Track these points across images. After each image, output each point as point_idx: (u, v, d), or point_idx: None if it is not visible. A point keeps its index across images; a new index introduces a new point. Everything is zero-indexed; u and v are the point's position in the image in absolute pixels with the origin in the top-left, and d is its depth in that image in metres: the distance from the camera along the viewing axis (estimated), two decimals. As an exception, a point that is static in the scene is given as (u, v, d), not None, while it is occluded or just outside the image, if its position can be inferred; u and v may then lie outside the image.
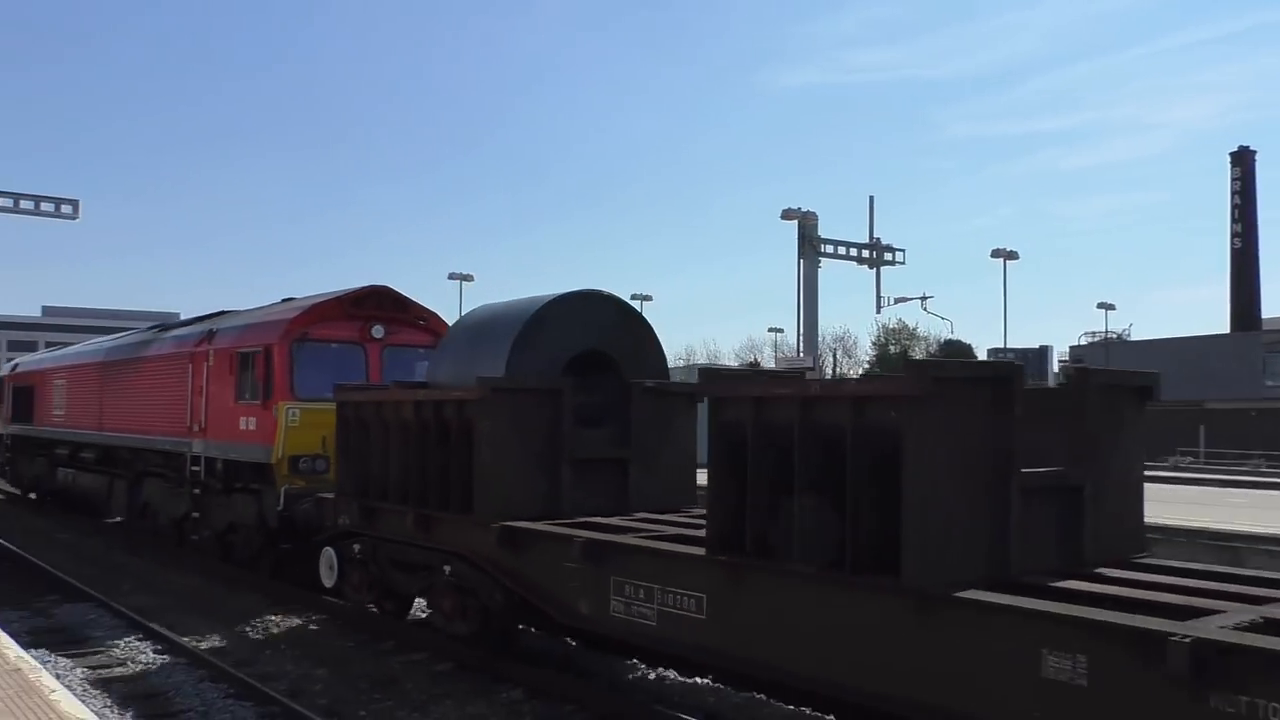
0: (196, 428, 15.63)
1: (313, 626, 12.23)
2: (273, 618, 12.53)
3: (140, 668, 10.38)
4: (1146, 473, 8.23)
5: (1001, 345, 55.17)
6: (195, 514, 15.97)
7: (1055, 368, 55.48)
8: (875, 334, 76.94)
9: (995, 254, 50.80)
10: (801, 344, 38.41)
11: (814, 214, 36.53)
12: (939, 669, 6.12)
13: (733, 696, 9.12)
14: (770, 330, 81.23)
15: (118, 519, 20.45)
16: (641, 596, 8.16)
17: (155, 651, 10.91)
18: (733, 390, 7.35)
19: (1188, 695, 5.03)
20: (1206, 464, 44.60)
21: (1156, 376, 7.63)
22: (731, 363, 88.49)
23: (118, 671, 10.28)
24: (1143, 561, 7.37)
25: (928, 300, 43.03)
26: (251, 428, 14.18)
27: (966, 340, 68.32)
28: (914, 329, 76.68)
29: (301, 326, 14.09)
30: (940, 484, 6.21)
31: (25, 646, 9.08)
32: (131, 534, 19.07)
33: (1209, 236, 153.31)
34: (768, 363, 79.77)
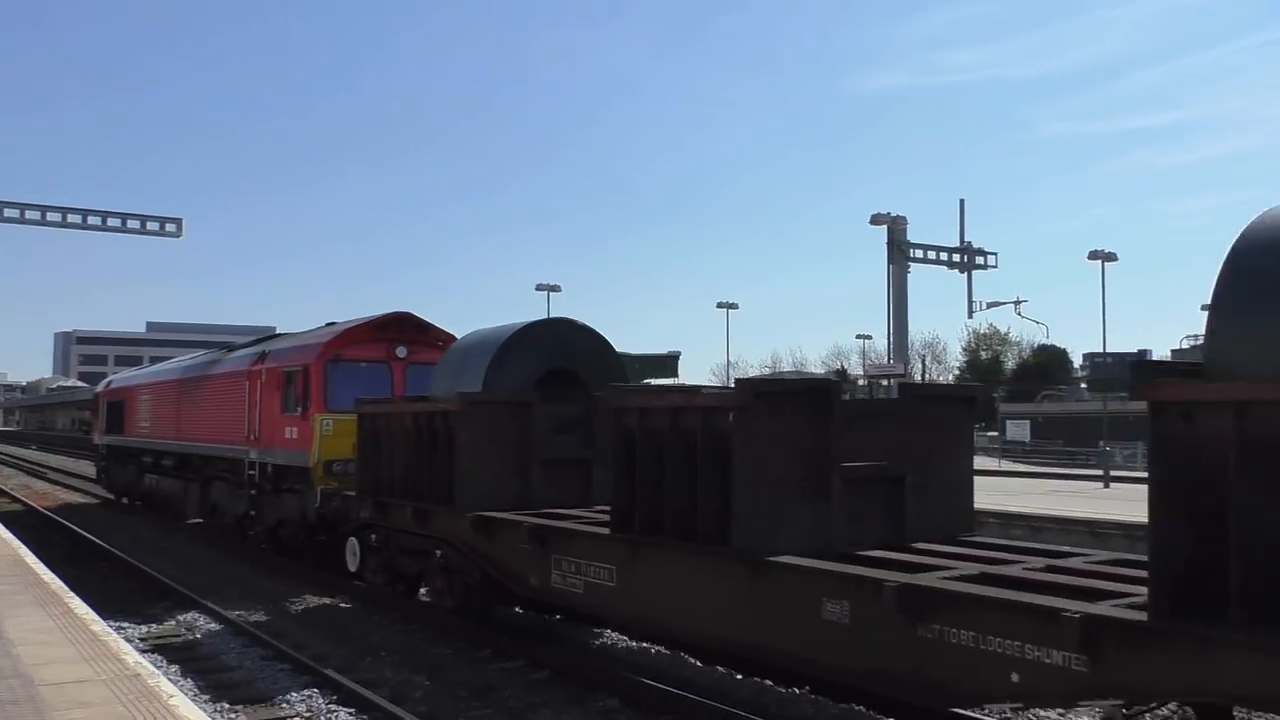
0: (252, 437, 17.97)
1: (415, 631, 12.60)
2: (372, 624, 13.06)
3: (247, 673, 10.77)
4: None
5: (1100, 350, 54.24)
6: (252, 512, 18.29)
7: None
8: (966, 340, 75.85)
9: (1093, 256, 47.58)
10: (891, 350, 38.27)
11: (903, 218, 36.05)
12: (762, 616, 7.93)
13: (829, 707, 9.06)
14: (858, 337, 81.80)
15: (198, 520, 22.89)
16: (573, 570, 10.08)
17: (262, 658, 11.30)
18: (623, 402, 9.24)
19: (905, 625, 6.79)
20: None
21: (980, 389, 9.32)
22: (818, 370, 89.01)
23: (226, 677, 10.65)
24: (961, 538, 9.05)
25: (1022, 304, 42.87)
26: (294, 436, 16.44)
27: (1062, 345, 66.83)
28: (1006, 334, 74.57)
29: (335, 349, 16.32)
30: (761, 474, 8.02)
31: (141, 651, 9.49)
32: (225, 538, 20.16)
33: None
34: (855, 370, 79.10)
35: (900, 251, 35.91)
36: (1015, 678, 6.16)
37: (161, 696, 6.96)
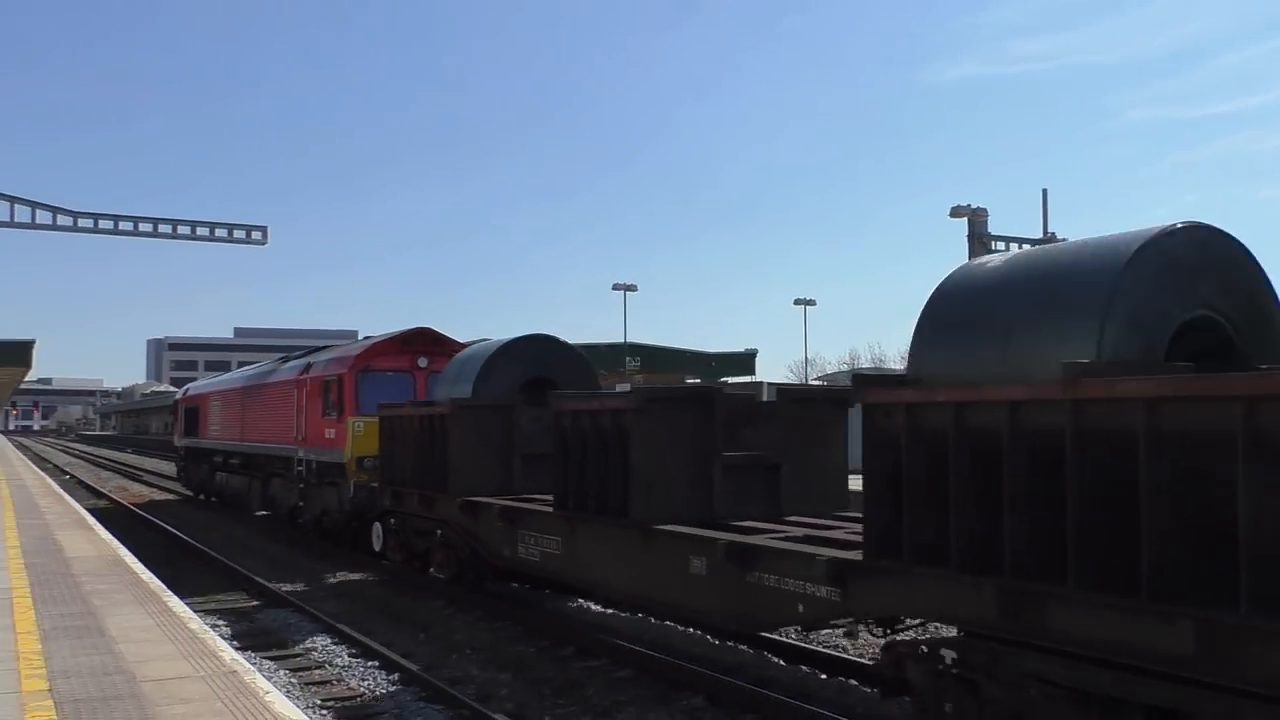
0: (300, 437, 20.64)
1: (499, 629, 12.93)
2: (456, 623, 13.40)
3: (337, 671, 11.12)
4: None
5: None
6: (301, 503, 20.95)
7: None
8: None
9: (1183, 245, 47.58)
10: None
11: (984, 210, 35.47)
12: (654, 571, 10.17)
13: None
14: None
15: (264, 512, 25.68)
16: (533, 542, 12.41)
17: (350, 655, 11.69)
18: (560, 405, 11.53)
19: (737, 573, 8.97)
20: None
21: (849, 390, 11.41)
22: (897, 367, 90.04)
23: (317, 674, 11.01)
24: (833, 514, 11.15)
25: None
26: (332, 437, 19.05)
27: None
28: None
29: (365, 360, 18.89)
30: (653, 461, 10.25)
31: (237, 649, 9.78)
32: (307, 539, 21.05)
33: None
34: None
35: (981, 244, 34.85)
36: (801, 608, 8.33)
37: (258, 693, 7.05)
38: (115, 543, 15.76)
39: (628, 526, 10.39)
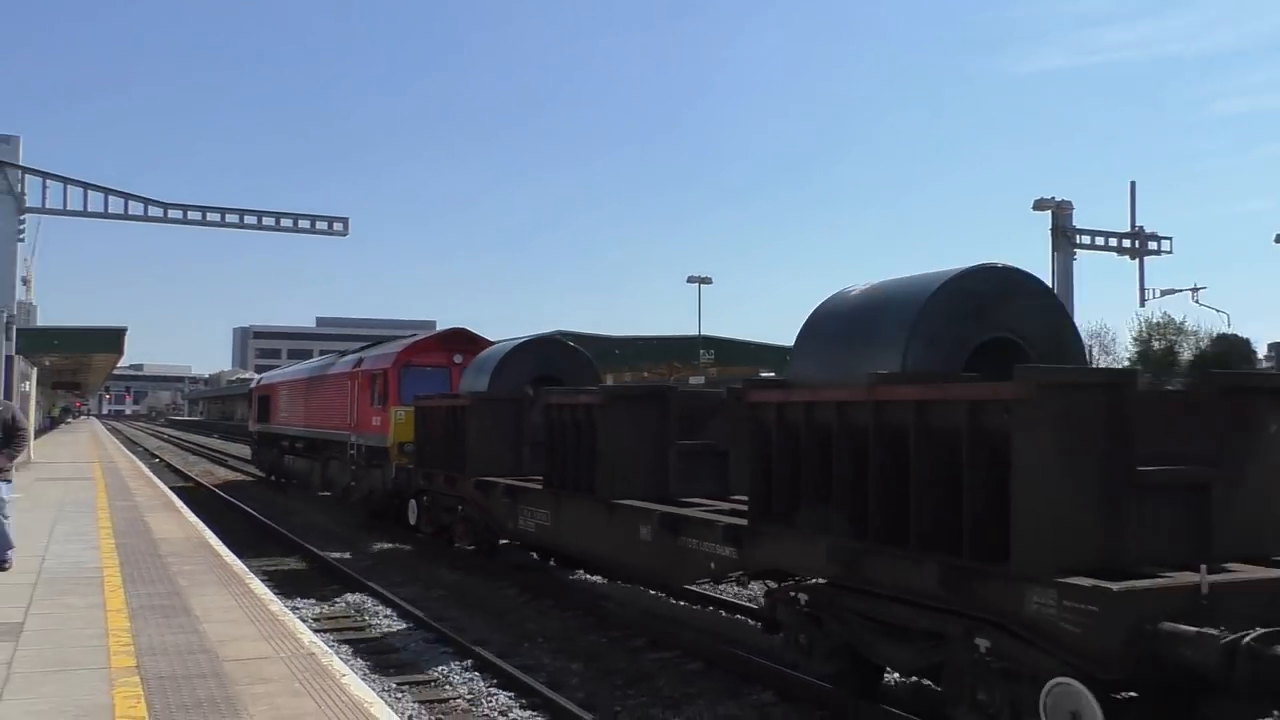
0: (352, 424, 23.10)
1: (570, 619, 13.01)
2: (527, 611, 13.66)
3: (411, 655, 11.37)
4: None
5: (1288, 338, 50.12)
6: (352, 483, 23.42)
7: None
8: (1137, 329, 71.18)
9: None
10: None
11: (1068, 203, 34.92)
12: (615, 537, 12.25)
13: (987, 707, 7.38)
14: None
15: (325, 493, 28.23)
16: (529, 516, 14.58)
17: (425, 640, 11.95)
18: (547, 399, 13.65)
19: (670, 538, 11.01)
20: None
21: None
22: None
23: (392, 658, 11.23)
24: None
25: (1200, 291, 40.69)
26: (378, 424, 21.44)
27: (1245, 334, 63.80)
28: (1182, 323, 70.03)
29: (406, 357, 21.24)
30: (618, 447, 12.31)
31: (315, 631, 9.98)
32: (381, 523, 21.71)
33: None
34: None
35: (1065, 238, 34.50)
36: (712, 565, 10.36)
37: (334, 675, 7.17)
38: (201, 525, 16.40)
39: (596, 501, 12.48)
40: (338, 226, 34.68)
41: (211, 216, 33.14)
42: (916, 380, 7.83)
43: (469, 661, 10.82)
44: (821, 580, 8.88)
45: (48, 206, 30.62)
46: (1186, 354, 69.83)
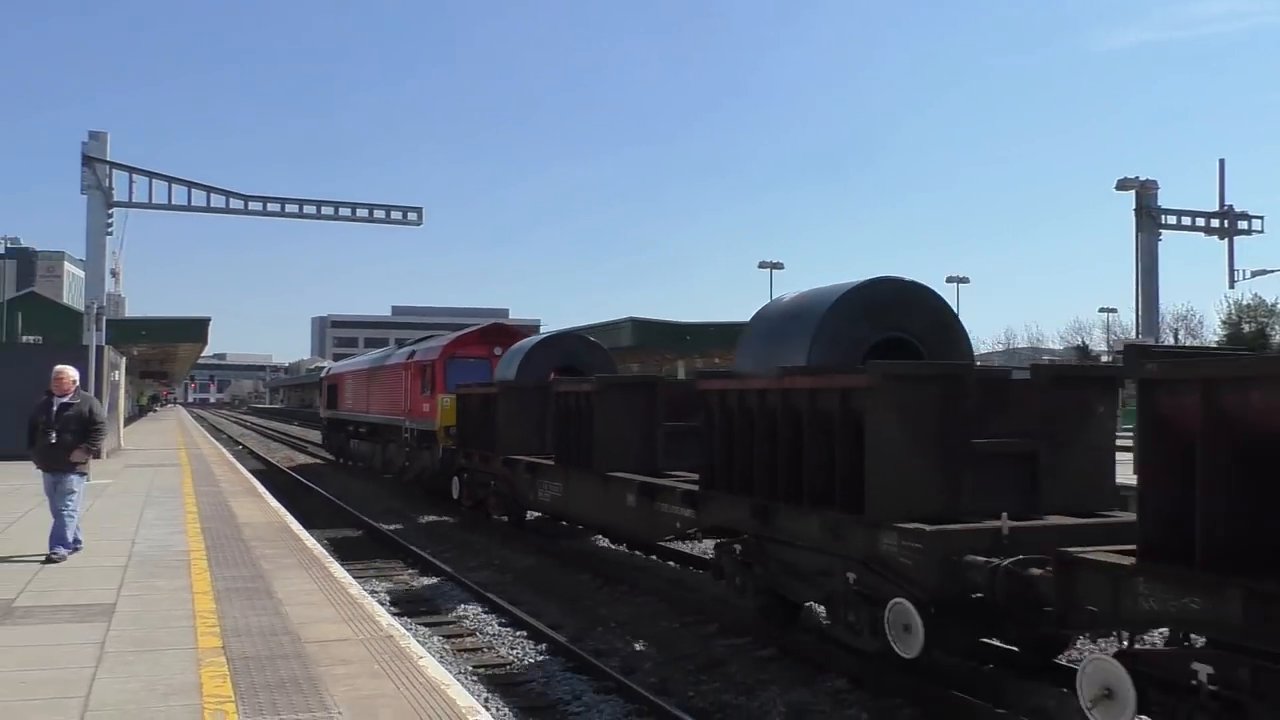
0: (406, 410, 25.59)
1: (642, 605, 12.99)
2: (599, 598, 13.81)
3: (487, 639, 11.52)
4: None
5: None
6: (407, 463, 25.92)
7: None
8: (1226, 311, 69.39)
9: (1380, 218, 43.12)
10: (1139, 324, 36.47)
11: (1154, 183, 34.71)
12: (609, 504, 14.42)
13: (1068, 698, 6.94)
14: (1101, 310, 78.38)
15: (387, 475, 30.77)
16: (546, 488, 16.82)
17: (500, 624, 12.05)
18: (556, 387, 15.84)
19: (648, 503, 13.14)
20: None
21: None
22: (1057, 348, 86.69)
23: (468, 641, 11.36)
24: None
25: None
26: (427, 410, 23.88)
27: None
28: (1274, 305, 68.88)
29: (452, 349, 23.64)
30: (612, 429, 14.46)
31: (393, 615, 10.16)
32: (463, 511, 22.72)
33: None
34: (1097, 346, 76.76)
35: (1150, 218, 34.21)
36: (677, 524, 12.48)
37: (412, 657, 7.30)
38: (282, 510, 16.72)
39: (594, 474, 14.67)
40: (412, 216, 35.13)
41: (290, 208, 33.73)
42: (809, 372, 9.87)
43: (543, 645, 11.03)
44: (749, 532, 10.96)
45: (134, 200, 31.21)
46: (1279, 337, 68.66)
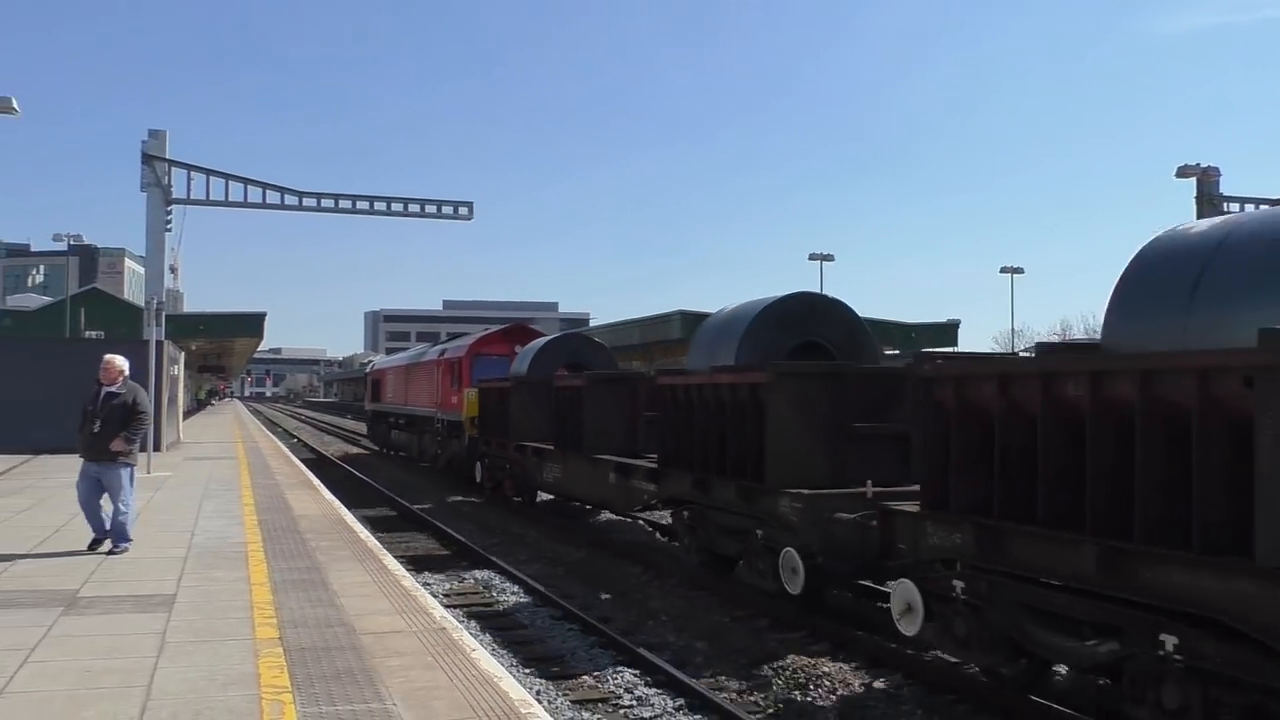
0: (438, 402, 28.26)
1: (695, 599, 12.55)
2: (647, 581, 14.04)
3: (539, 631, 11.53)
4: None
5: None
6: (439, 451, 28.60)
7: None
8: None
9: None
10: None
11: (1215, 169, 34.16)
12: (596, 482, 16.89)
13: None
14: None
15: (424, 464, 33.37)
16: (549, 470, 19.34)
17: (552, 617, 12.07)
18: (554, 381, 18.34)
19: (624, 480, 15.60)
20: None
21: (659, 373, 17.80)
22: None
23: (520, 634, 11.36)
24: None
25: None
26: (455, 402, 26.52)
27: None
28: None
29: (477, 348, 26.28)
30: (599, 418, 16.94)
31: (446, 607, 10.04)
32: (509, 504, 24.29)
33: None
34: None
35: (1211, 205, 32.94)
36: (645, 497, 14.93)
37: (465, 649, 7.33)
38: (337, 503, 16.73)
39: (584, 456, 17.16)
40: (463, 211, 35.36)
41: (343, 203, 34.19)
42: (731, 370, 12.29)
43: (593, 639, 10.98)
44: (693, 502, 13.39)
45: (192, 197, 31.83)
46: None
